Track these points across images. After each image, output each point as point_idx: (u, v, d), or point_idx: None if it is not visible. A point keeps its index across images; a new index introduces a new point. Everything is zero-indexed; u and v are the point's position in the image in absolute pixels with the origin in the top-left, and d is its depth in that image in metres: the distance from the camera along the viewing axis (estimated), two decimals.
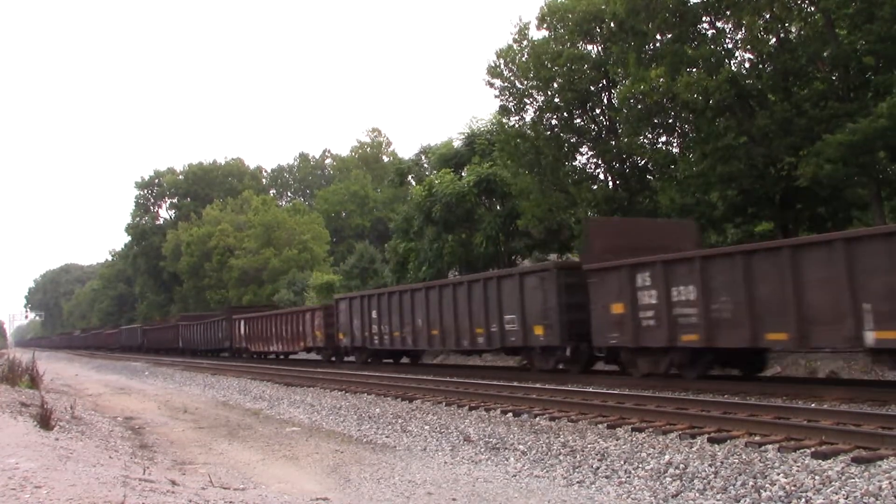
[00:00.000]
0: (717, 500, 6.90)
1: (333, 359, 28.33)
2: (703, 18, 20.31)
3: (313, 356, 32.39)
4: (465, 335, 19.53)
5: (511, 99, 26.15)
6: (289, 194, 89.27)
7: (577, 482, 8.09)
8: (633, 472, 8.07)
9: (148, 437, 13.05)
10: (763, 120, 17.93)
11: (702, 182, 19.86)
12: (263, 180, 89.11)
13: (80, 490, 5.74)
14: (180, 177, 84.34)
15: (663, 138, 23.95)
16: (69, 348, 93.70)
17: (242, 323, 37.38)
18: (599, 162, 25.88)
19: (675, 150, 23.51)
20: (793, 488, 6.76)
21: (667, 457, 8.27)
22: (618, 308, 14.98)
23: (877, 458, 7.19)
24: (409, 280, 34.32)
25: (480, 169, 30.08)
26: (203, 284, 65.26)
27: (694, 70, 19.27)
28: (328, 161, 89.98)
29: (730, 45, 20.47)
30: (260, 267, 57.70)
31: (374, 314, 23.88)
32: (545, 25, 25.34)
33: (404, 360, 26.32)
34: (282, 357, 36.01)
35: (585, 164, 26.60)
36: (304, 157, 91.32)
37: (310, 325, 29.15)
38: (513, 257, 31.77)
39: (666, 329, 13.94)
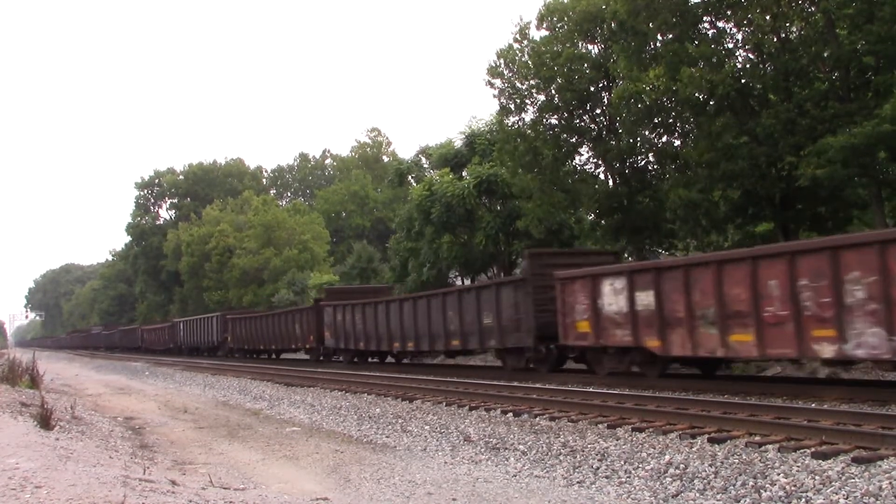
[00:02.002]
0: (718, 501, 6.90)
1: None
2: (704, 18, 20.30)
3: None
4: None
5: (511, 99, 26.14)
6: (289, 194, 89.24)
7: (578, 482, 8.09)
8: (633, 472, 8.07)
9: (148, 437, 13.05)
10: (769, 119, 17.92)
11: (708, 175, 19.71)
12: (263, 180, 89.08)
13: (80, 490, 5.74)
14: (180, 177, 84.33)
15: (664, 138, 23.92)
16: (82, 349, 79.63)
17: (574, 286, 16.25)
18: (599, 162, 25.87)
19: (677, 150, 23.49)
20: (793, 488, 6.75)
21: (667, 457, 8.27)
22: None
23: (877, 458, 7.19)
24: (411, 280, 34.28)
25: (481, 169, 30.08)
26: (203, 285, 65.25)
27: (696, 67, 19.23)
28: (328, 161, 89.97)
29: (730, 46, 20.47)
30: (260, 267, 57.69)
31: None
32: (545, 25, 25.34)
33: None
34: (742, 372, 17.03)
35: (585, 164, 26.61)
36: (304, 157, 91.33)
37: None
38: (513, 258, 31.76)
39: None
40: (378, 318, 24.67)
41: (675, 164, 22.68)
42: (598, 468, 8.38)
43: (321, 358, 30.24)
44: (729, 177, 19.33)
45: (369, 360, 27.23)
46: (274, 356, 36.93)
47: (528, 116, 26.05)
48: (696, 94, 19.22)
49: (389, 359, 27.04)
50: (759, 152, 18.49)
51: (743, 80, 19.25)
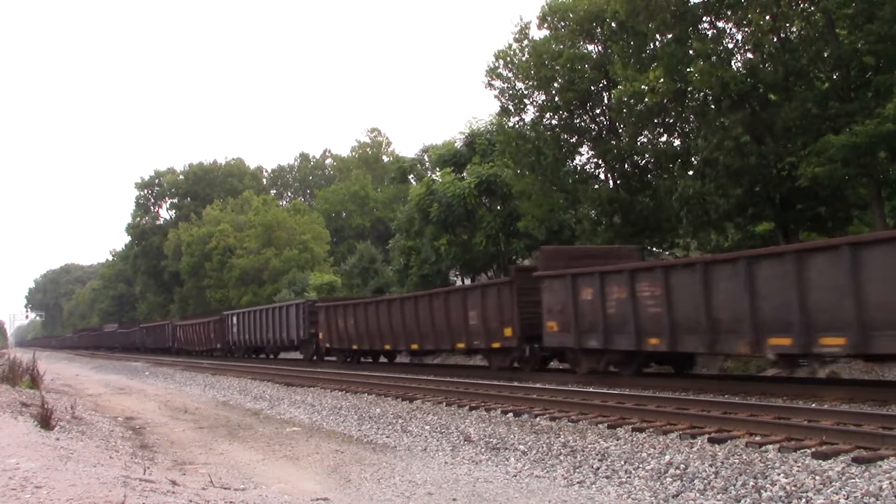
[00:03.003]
0: (718, 501, 6.90)
1: None
2: (704, 19, 20.28)
3: None
4: None
5: (511, 100, 26.13)
6: (289, 194, 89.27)
7: (578, 482, 8.09)
8: (633, 472, 8.07)
9: (148, 437, 13.05)
10: (790, 112, 17.80)
11: (724, 171, 19.59)
12: (264, 180, 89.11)
13: (80, 490, 5.74)
14: (180, 177, 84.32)
15: (664, 138, 23.89)
16: (94, 350, 69.34)
17: None
18: (600, 162, 25.85)
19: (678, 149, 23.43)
20: (793, 488, 6.75)
21: (667, 457, 8.26)
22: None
23: (877, 459, 7.19)
24: (412, 280, 34.28)
25: (481, 170, 30.10)
26: (203, 285, 65.24)
27: (700, 64, 19.16)
28: (328, 161, 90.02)
29: (730, 46, 20.43)
30: (260, 267, 57.70)
31: None
32: (546, 25, 25.34)
33: None
34: None
35: (586, 164, 26.58)
36: (304, 157, 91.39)
37: None
38: (513, 258, 31.76)
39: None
40: (710, 292, 12.86)
41: (678, 162, 22.61)
42: (598, 468, 8.38)
43: (516, 364, 18.59)
44: (736, 174, 19.26)
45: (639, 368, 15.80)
46: (385, 359, 26.25)
47: (528, 117, 26.07)
48: (705, 92, 19.12)
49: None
50: (769, 150, 18.46)
51: (754, 77, 19.13)
